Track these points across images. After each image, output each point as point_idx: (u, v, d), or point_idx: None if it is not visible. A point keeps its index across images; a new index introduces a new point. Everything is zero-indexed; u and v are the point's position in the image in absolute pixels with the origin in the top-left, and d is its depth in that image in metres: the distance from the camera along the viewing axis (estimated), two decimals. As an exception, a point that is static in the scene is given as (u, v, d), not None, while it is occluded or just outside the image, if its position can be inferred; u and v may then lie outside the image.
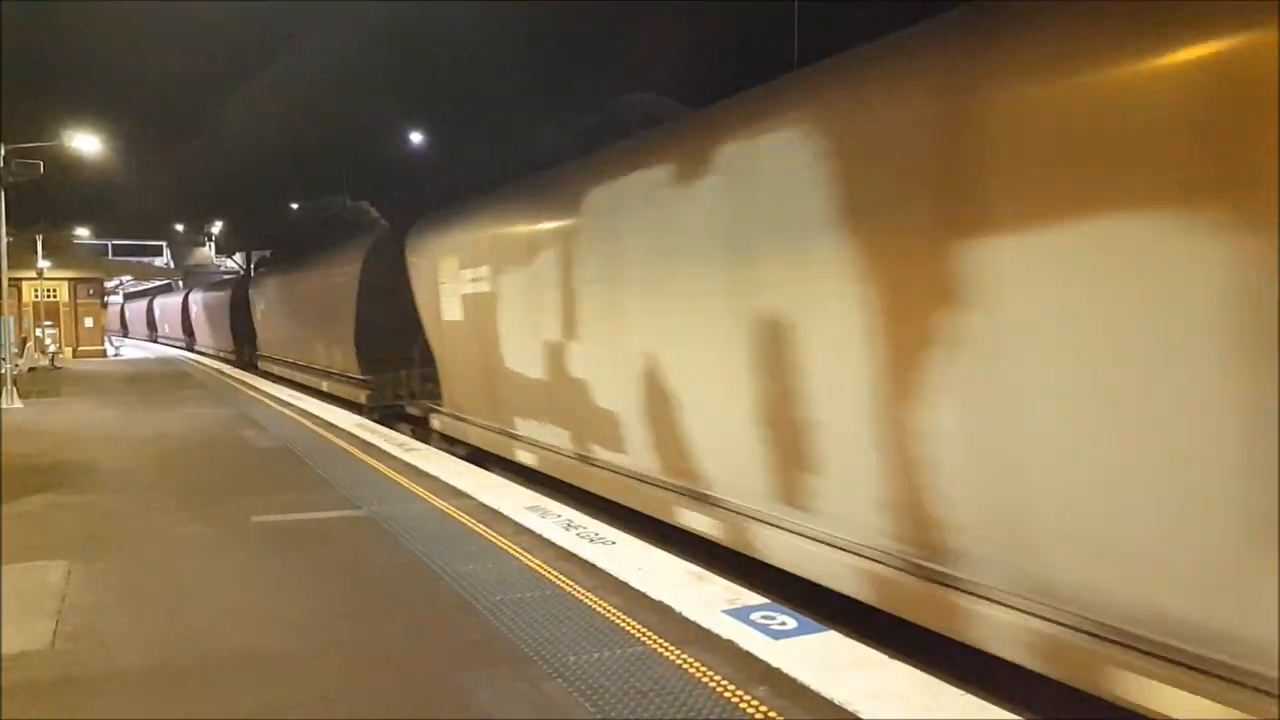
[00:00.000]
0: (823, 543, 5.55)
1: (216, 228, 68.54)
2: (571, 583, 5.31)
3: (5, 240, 18.53)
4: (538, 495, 7.86)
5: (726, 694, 3.73)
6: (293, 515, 7.29)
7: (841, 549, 5.40)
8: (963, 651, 4.46)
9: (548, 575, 5.48)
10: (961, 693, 3.70)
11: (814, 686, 3.76)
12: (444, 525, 6.86)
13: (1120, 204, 3.69)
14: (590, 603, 4.94)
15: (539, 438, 9.50)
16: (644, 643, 4.33)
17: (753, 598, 4.97)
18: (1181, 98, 3.46)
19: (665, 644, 4.30)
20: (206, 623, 4.80)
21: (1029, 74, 4.10)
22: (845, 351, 5.16)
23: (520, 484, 8.37)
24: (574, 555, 5.89)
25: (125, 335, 50.49)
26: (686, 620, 4.60)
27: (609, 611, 4.78)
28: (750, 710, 3.58)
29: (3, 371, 17.24)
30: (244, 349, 26.77)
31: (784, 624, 4.50)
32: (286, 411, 14.90)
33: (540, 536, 6.40)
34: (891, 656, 4.11)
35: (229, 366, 27.08)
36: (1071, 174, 3.87)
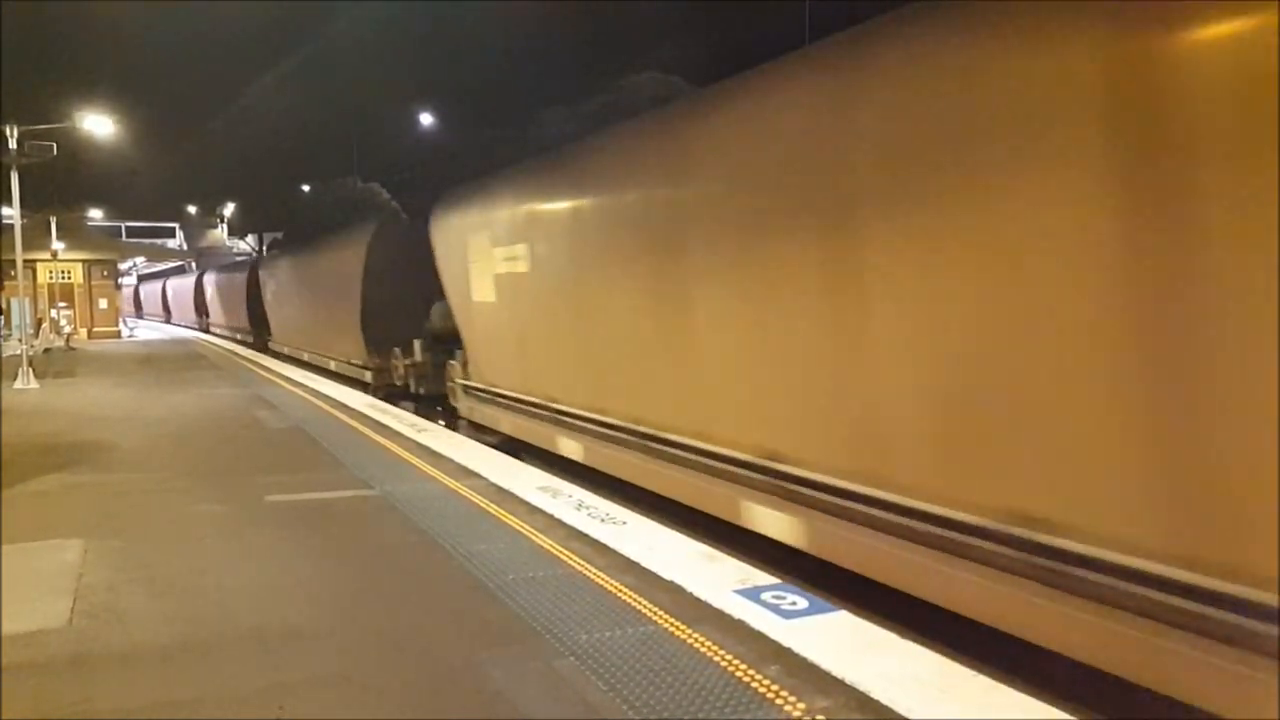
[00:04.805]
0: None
1: (229, 210, 68.45)
2: (583, 562, 5.32)
3: (20, 221, 18.61)
4: (549, 476, 7.89)
5: (738, 673, 3.74)
6: (306, 495, 7.34)
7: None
8: (970, 638, 4.46)
9: (559, 555, 5.50)
10: (974, 674, 3.70)
11: (825, 666, 3.76)
12: (456, 505, 6.89)
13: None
14: (602, 582, 4.96)
15: (299, 348, 21.98)
16: (656, 622, 4.34)
17: (763, 578, 4.97)
18: None
19: (677, 623, 4.31)
20: (222, 600, 4.84)
21: None
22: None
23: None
24: (585, 535, 5.91)
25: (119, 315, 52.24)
26: (698, 600, 4.61)
27: (621, 591, 4.80)
28: (761, 689, 3.59)
29: (18, 352, 17.37)
30: (202, 320, 41.33)
31: (795, 604, 4.50)
32: (298, 392, 14.98)
33: (552, 516, 6.42)
34: (902, 637, 4.11)
35: (241, 348, 27.57)
36: None
